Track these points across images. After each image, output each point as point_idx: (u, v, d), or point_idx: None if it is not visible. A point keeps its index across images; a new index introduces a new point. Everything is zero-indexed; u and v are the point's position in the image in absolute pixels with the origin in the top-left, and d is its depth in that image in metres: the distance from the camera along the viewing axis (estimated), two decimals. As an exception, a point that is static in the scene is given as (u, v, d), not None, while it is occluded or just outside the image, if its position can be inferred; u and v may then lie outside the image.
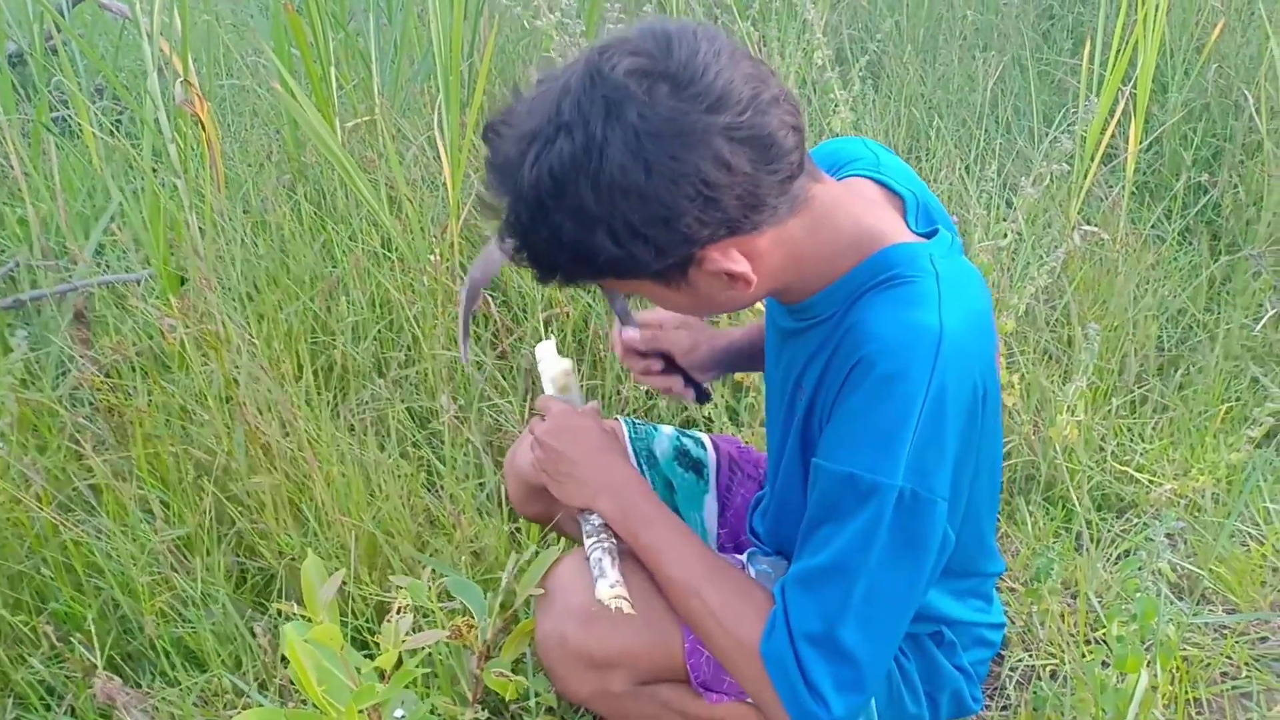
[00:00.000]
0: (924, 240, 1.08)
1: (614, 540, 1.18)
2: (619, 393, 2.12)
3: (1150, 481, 1.93)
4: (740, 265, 1.00)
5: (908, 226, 1.10)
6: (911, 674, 1.22)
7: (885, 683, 1.20)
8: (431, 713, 1.31)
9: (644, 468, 1.46)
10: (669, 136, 0.90)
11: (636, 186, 0.91)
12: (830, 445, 1.04)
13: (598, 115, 0.90)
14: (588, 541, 1.18)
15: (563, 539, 1.58)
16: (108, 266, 2.50)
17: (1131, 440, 2.05)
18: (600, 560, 1.15)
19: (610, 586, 1.12)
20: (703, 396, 1.43)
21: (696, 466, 1.49)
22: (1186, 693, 1.55)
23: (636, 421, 1.50)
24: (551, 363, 1.31)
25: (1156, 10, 2.29)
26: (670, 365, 1.40)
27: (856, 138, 1.23)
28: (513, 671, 1.32)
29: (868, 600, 1.02)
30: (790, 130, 0.97)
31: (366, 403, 2.06)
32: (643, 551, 1.17)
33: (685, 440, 1.51)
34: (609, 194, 0.91)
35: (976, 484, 1.12)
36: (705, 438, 1.53)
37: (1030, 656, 1.63)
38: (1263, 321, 2.29)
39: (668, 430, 1.51)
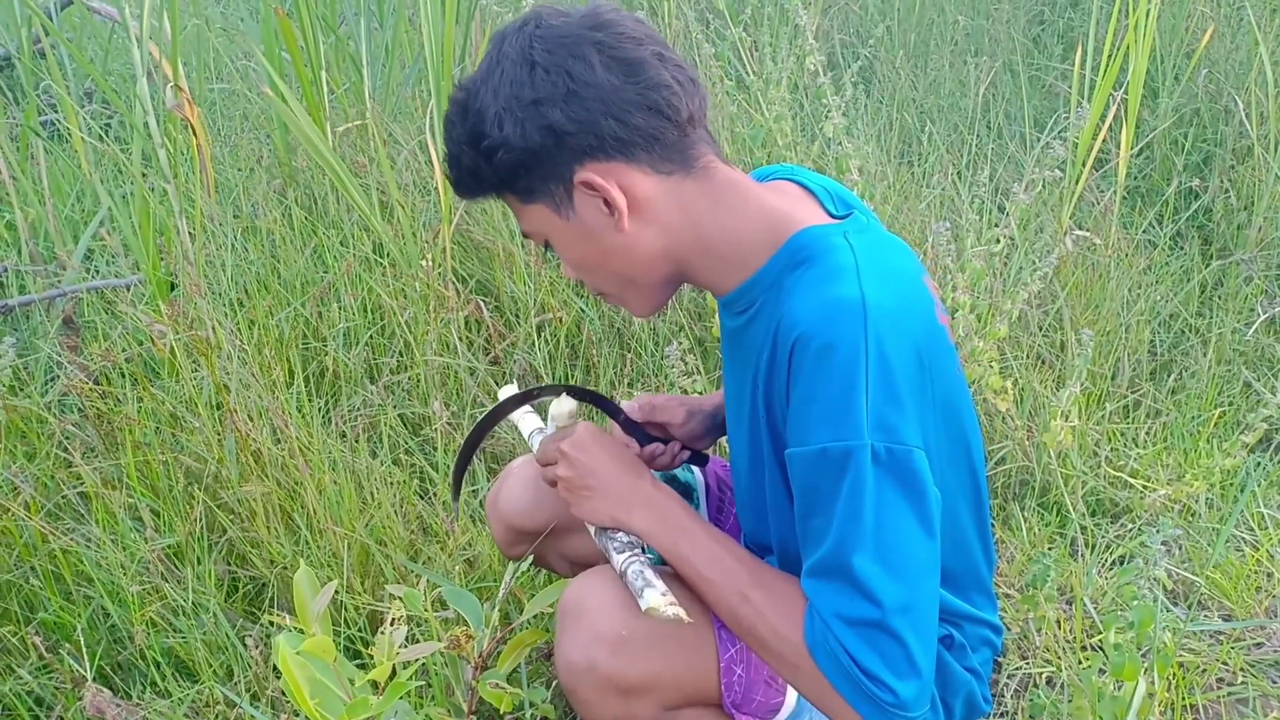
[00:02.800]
0: (838, 221, 1.12)
1: (648, 555, 1.15)
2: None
3: (1144, 487, 1.93)
4: (615, 191, 1.08)
5: (825, 210, 1.14)
6: None
7: None
8: (426, 724, 1.30)
9: None
10: (552, 40, 1.06)
11: (518, 79, 1.06)
12: (795, 431, 1.05)
13: (512, 32, 1.09)
14: (620, 558, 1.14)
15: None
16: (97, 272, 2.48)
17: (1125, 445, 2.05)
18: (641, 572, 1.11)
19: (662, 594, 1.08)
20: (699, 459, 1.46)
21: (686, 491, 1.47)
22: (1183, 699, 1.55)
23: None
24: (558, 409, 1.30)
25: (1147, 16, 2.30)
26: (667, 439, 1.42)
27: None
28: (508, 682, 1.31)
29: (884, 564, 1.01)
30: (669, 75, 1.07)
31: (358, 409, 2.04)
32: (682, 561, 1.14)
33: None
34: (501, 86, 1.07)
35: (950, 469, 1.12)
36: None
37: (1027, 664, 1.63)
38: (1254, 326, 2.30)
39: None
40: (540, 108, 1.05)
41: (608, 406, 1.36)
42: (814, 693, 1.08)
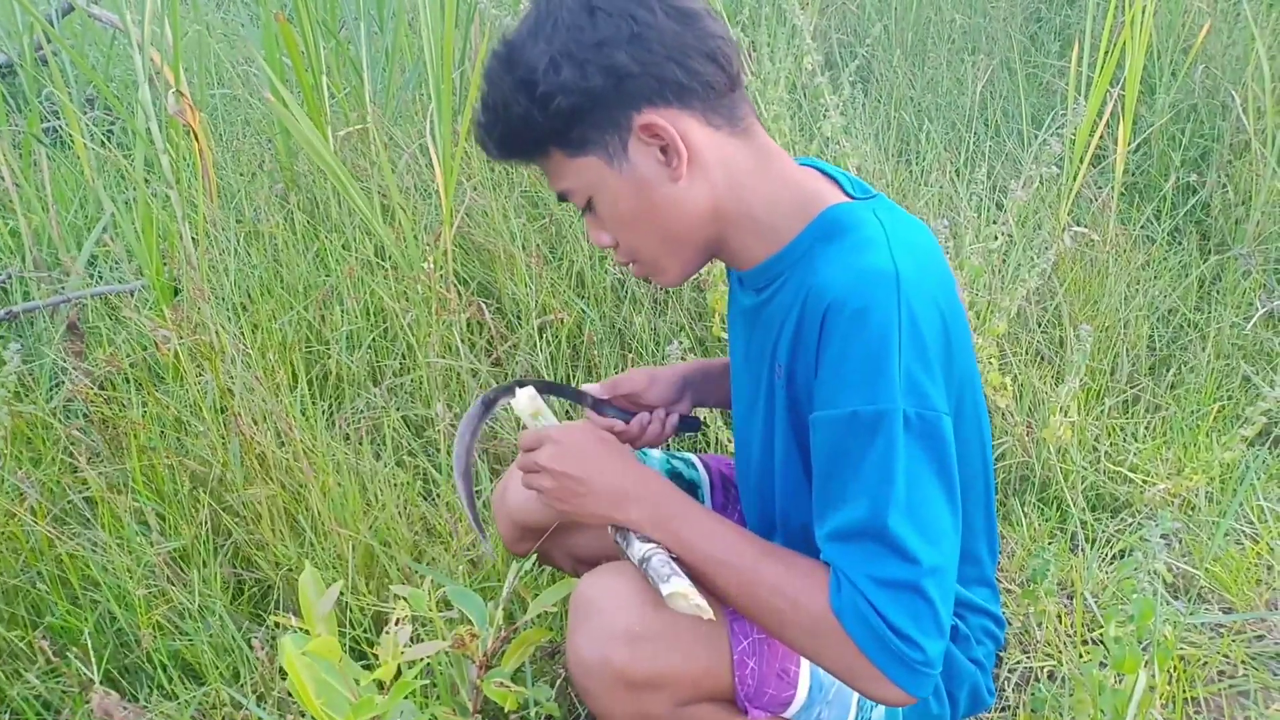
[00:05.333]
0: (864, 200, 1.13)
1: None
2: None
3: (1144, 481, 1.94)
4: (673, 134, 1.07)
5: (847, 194, 1.15)
6: None
7: None
8: (431, 723, 1.31)
9: None
10: None
11: (576, 24, 1.06)
12: (824, 395, 1.05)
13: None
14: (640, 549, 1.12)
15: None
16: (100, 278, 2.49)
17: (1125, 440, 2.06)
18: (667, 561, 1.09)
19: (691, 585, 1.06)
20: (690, 424, 1.42)
21: (690, 489, 1.46)
22: (1184, 692, 1.56)
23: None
24: (520, 403, 1.26)
25: (1143, 12, 2.30)
26: (641, 409, 1.40)
27: None
28: (512, 681, 1.32)
29: (917, 527, 1.01)
30: (720, 29, 1.09)
31: (362, 412, 2.06)
32: (685, 548, 1.12)
33: (676, 463, 1.49)
34: (556, 34, 1.06)
35: (965, 449, 1.12)
36: (695, 458, 1.51)
37: (1028, 658, 1.64)
38: (1253, 320, 2.30)
39: (656, 455, 1.49)
40: (604, 49, 1.05)
41: (571, 394, 1.35)
42: (838, 661, 1.06)
